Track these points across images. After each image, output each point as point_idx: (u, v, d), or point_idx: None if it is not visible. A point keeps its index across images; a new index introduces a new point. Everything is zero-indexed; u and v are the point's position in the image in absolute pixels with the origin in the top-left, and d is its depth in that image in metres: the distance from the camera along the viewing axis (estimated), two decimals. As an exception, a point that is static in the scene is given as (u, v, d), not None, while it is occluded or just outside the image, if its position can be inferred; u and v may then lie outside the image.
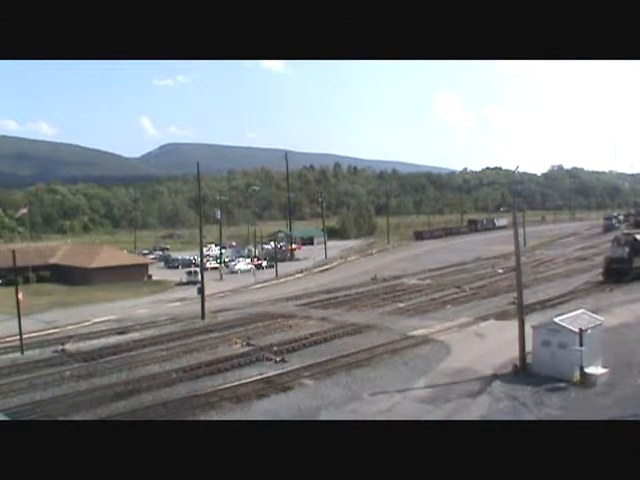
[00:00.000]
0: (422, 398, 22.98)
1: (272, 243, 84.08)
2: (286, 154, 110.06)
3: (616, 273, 46.88)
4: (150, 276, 68.82)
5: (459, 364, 27.20)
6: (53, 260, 70.59)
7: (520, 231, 31.49)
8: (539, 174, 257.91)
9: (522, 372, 25.01)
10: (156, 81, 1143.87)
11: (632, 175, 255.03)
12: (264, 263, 75.63)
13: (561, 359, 23.93)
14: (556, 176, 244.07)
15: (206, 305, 42.87)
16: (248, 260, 78.29)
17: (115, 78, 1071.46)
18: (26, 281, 60.48)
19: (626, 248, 47.64)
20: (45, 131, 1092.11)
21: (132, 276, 65.32)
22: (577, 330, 23.77)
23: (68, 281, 64.74)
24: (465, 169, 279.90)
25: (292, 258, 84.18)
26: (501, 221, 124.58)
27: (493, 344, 30.29)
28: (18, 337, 33.77)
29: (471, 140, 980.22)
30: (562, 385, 23.11)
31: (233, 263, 75.81)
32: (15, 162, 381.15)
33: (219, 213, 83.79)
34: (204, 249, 56.71)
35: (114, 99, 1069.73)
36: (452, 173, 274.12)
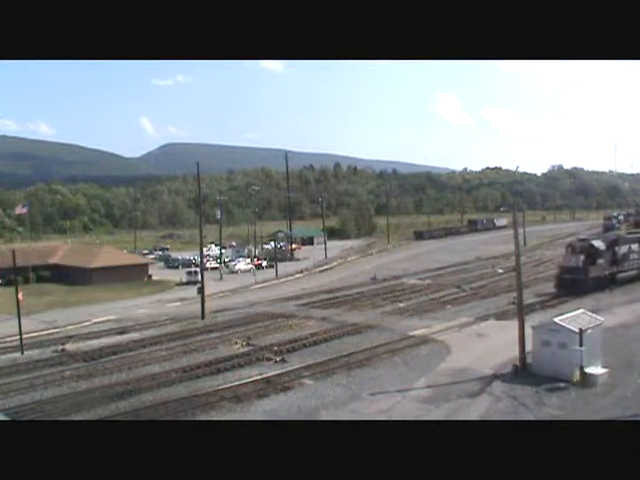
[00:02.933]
0: (422, 398, 22.98)
1: (272, 243, 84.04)
2: (286, 154, 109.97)
3: (570, 284, 41.64)
4: (150, 276, 68.78)
5: (459, 364, 27.20)
6: (53, 260, 70.53)
7: (520, 231, 31.46)
8: (539, 174, 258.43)
9: (522, 372, 25.00)
10: (155, 81, 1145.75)
11: (632, 175, 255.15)
12: (264, 263, 75.58)
13: (561, 359, 23.92)
14: (556, 176, 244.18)
15: (206, 305, 42.85)
16: (248, 260, 78.24)
17: (115, 78, 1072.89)
18: (26, 281, 60.43)
19: (581, 256, 42.29)
20: (44, 131, 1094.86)
21: (132, 276, 65.27)
22: (577, 330, 23.78)
23: (68, 281, 64.70)
24: (465, 169, 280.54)
25: (292, 258, 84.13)
26: (501, 221, 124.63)
27: (493, 344, 30.30)
28: (18, 337, 33.78)
29: (471, 140, 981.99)
30: (562, 385, 23.11)
31: (233, 263, 75.77)
32: (14, 162, 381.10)
33: (219, 213, 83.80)
34: (204, 249, 56.68)
35: (113, 99, 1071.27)
36: (452, 173, 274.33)
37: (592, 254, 42.84)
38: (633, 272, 46.55)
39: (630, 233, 57.86)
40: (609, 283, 43.48)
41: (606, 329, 27.06)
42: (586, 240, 45.80)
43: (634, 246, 47.15)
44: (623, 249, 45.82)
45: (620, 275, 45.00)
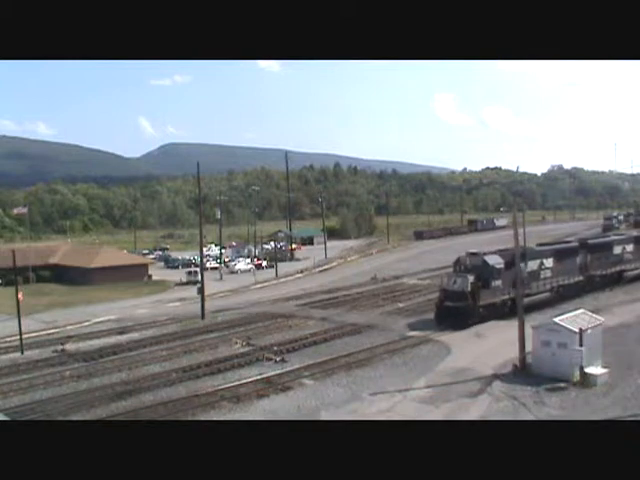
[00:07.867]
0: (422, 398, 22.97)
1: (272, 243, 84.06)
2: (286, 154, 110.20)
3: (453, 314, 32.69)
4: (150, 276, 68.73)
5: (459, 364, 27.19)
6: (53, 260, 70.50)
7: (520, 231, 31.21)
8: (539, 174, 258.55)
9: (522, 372, 25.00)
10: (153, 81, 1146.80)
11: (632, 175, 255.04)
12: (264, 263, 75.59)
13: (561, 359, 23.92)
14: (556, 176, 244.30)
15: (206, 305, 42.84)
16: (248, 260, 78.24)
17: (112, 78, 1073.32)
18: (26, 281, 60.39)
19: (470, 277, 32.63)
20: (43, 131, 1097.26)
21: (132, 276, 65.23)
22: (577, 330, 23.78)
23: (68, 281, 64.69)
24: (465, 169, 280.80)
25: (292, 258, 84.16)
26: (501, 221, 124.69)
27: (493, 344, 30.27)
28: (18, 337, 33.76)
29: (471, 140, 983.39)
30: (562, 385, 23.11)
31: (233, 263, 75.78)
32: (13, 162, 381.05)
33: (219, 213, 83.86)
34: (204, 249, 56.69)
35: (111, 99, 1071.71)
36: (452, 173, 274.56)
37: (484, 274, 33.31)
38: (546, 295, 37.41)
39: (542, 244, 45.20)
40: (510, 311, 32.88)
41: (606, 329, 27.06)
42: (478, 255, 35.09)
43: (547, 261, 38.08)
44: (531, 265, 36.72)
45: (527, 299, 32.63)
